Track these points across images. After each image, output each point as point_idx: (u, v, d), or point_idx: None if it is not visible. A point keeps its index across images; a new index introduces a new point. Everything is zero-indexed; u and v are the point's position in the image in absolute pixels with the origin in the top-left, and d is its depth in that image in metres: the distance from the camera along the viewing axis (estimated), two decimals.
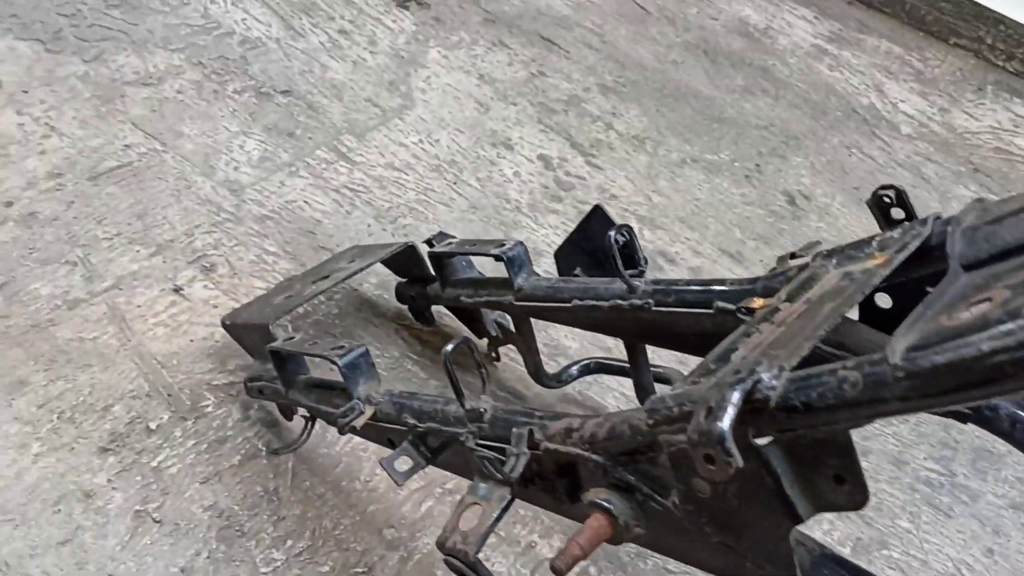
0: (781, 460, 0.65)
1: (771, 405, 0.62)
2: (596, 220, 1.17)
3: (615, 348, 1.35)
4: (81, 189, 1.47)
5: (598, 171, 1.76)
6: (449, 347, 0.86)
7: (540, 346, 1.29)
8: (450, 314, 1.40)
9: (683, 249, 1.64)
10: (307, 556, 1.13)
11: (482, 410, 0.89)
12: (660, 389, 1.16)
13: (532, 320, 1.25)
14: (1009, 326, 0.51)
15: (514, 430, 0.84)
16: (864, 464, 1.34)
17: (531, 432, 0.83)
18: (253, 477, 1.19)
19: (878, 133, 1.96)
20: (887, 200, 0.89)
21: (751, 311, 0.90)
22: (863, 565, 1.18)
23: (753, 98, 2.01)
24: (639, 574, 1.18)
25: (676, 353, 1.16)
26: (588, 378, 1.35)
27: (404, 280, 1.39)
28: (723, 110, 1.96)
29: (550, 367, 1.32)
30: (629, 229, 1.07)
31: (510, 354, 1.36)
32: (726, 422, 0.61)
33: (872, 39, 2.23)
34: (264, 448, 1.21)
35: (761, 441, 0.65)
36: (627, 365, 1.20)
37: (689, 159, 1.83)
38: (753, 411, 0.63)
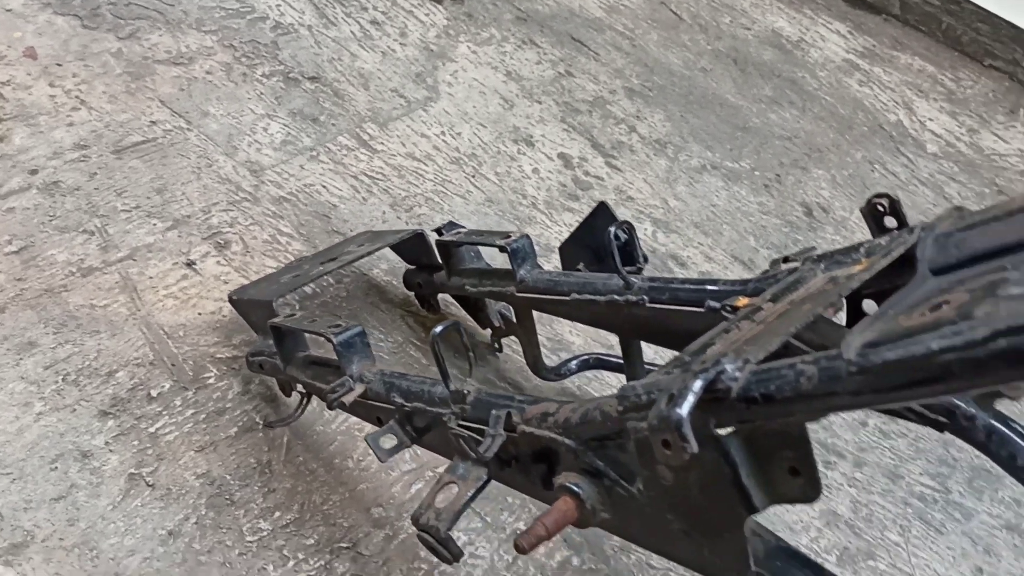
0: (740, 450, 0.66)
1: (732, 396, 0.63)
2: (600, 216, 1.17)
3: (617, 346, 1.35)
4: (105, 161, 1.51)
5: (617, 172, 1.76)
6: (438, 329, 0.87)
7: (543, 339, 1.30)
8: (456, 303, 1.42)
9: (695, 254, 1.64)
10: (293, 528, 1.14)
11: (465, 392, 0.90)
12: None
13: (535, 313, 1.26)
14: (959, 327, 0.51)
15: (492, 412, 0.85)
16: (858, 475, 1.34)
17: (509, 415, 0.84)
18: (248, 449, 1.21)
19: (903, 150, 1.95)
20: (880, 208, 0.88)
21: (735, 309, 0.90)
22: (848, 575, 1.18)
23: (779, 109, 2.00)
24: (621, 568, 1.19)
25: (672, 351, 1.16)
26: (588, 373, 1.36)
27: (412, 267, 1.40)
28: (748, 119, 1.96)
29: (551, 361, 1.33)
30: (629, 226, 1.08)
31: (512, 346, 1.37)
32: (685, 408, 0.61)
33: (905, 56, 2.22)
34: (261, 421, 1.23)
35: (722, 432, 0.66)
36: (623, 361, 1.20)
37: (710, 166, 1.83)
38: (715, 401, 0.64)
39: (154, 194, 1.48)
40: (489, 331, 1.36)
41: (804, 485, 0.64)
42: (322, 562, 1.13)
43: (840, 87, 2.09)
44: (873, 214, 0.90)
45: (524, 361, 1.32)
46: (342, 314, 1.40)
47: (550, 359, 1.33)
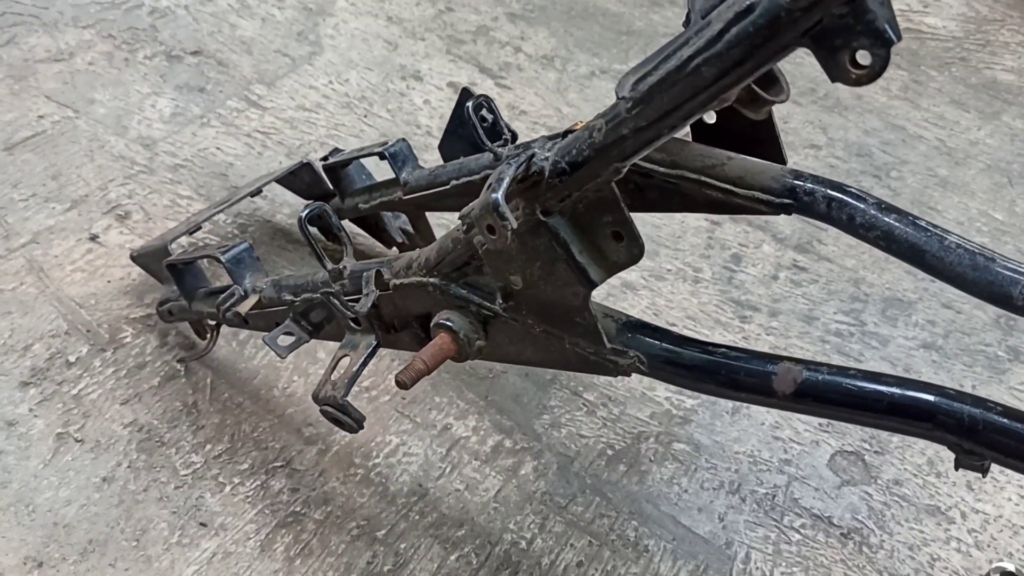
0: (567, 229, 0.69)
1: (546, 176, 0.66)
2: (465, 103, 1.20)
3: None
4: None
5: (507, 91, 1.80)
6: (303, 213, 0.90)
7: None
8: (360, 230, 1.44)
9: None
10: (226, 457, 1.17)
11: (342, 268, 0.93)
12: None
13: (428, 216, 1.29)
14: (701, 32, 0.54)
15: (364, 274, 0.88)
16: (774, 324, 1.38)
17: (379, 273, 0.87)
18: (172, 395, 1.23)
19: None
20: None
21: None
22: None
23: (661, 9, 2.04)
24: (553, 442, 1.22)
25: None
26: None
27: (310, 202, 1.42)
28: (631, 24, 1.99)
29: None
30: (487, 99, 1.11)
31: None
32: (501, 191, 0.64)
33: None
34: (178, 365, 1.25)
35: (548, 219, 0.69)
36: None
37: (598, 71, 1.86)
38: (534, 185, 0.67)
39: (49, 180, 1.50)
40: (395, 249, 1.39)
41: (628, 245, 0.67)
42: (258, 482, 1.15)
43: None
44: None
45: None
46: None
47: None
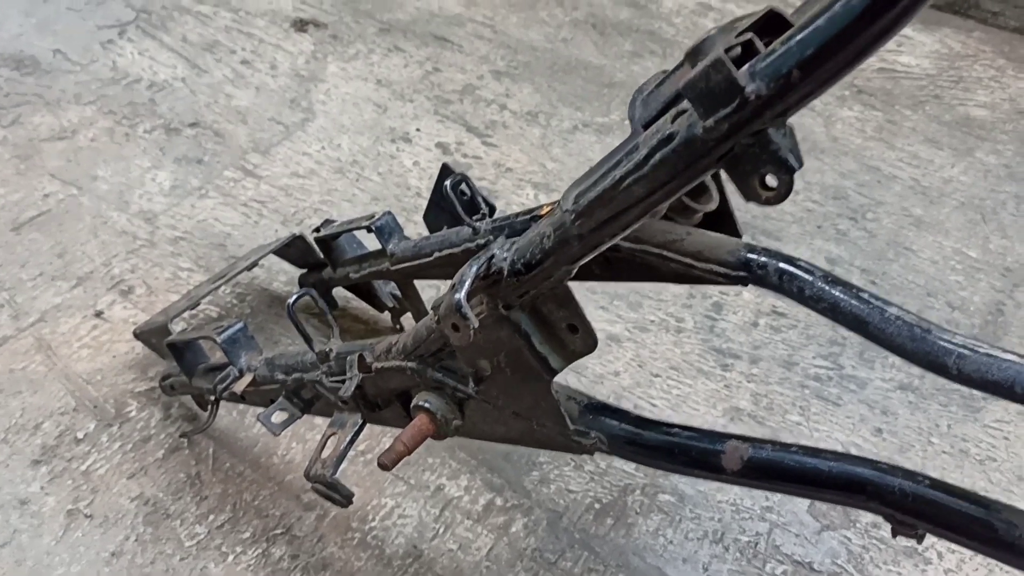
0: (528, 323, 0.75)
1: (504, 274, 0.72)
2: (445, 178, 1.26)
3: None
4: (4, 240, 1.59)
5: (493, 148, 1.86)
6: (291, 299, 0.96)
7: None
8: (352, 295, 1.50)
9: None
10: (228, 527, 1.22)
11: (328, 350, 0.98)
12: None
13: (416, 283, 1.35)
14: (632, 154, 0.60)
15: (348, 358, 0.94)
16: (755, 371, 1.43)
17: (361, 357, 0.93)
18: (176, 467, 1.29)
19: None
20: None
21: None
22: None
23: (641, 60, 2.10)
24: (543, 498, 1.27)
25: None
26: None
27: (304, 271, 1.49)
28: (613, 76, 2.06)
29: None
30: (464, 177, 1.17)
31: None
32: (463, 292, 0.70)
33: None
34: (183, 438, 1.31)
35: (510, 312, 0.75)
36: None
37: (581, 124, 1.93)
38: (495, 283, 0.73)
39: (55, 258, 1.56)
40: (387, 313, 1.45)
41: (583, 336, 0.73)
42: (260, 551, 1.20)
43: (697, 28, 2.20)
44: None
45: None
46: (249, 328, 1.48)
47: None
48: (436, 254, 1.21)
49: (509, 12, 2.24)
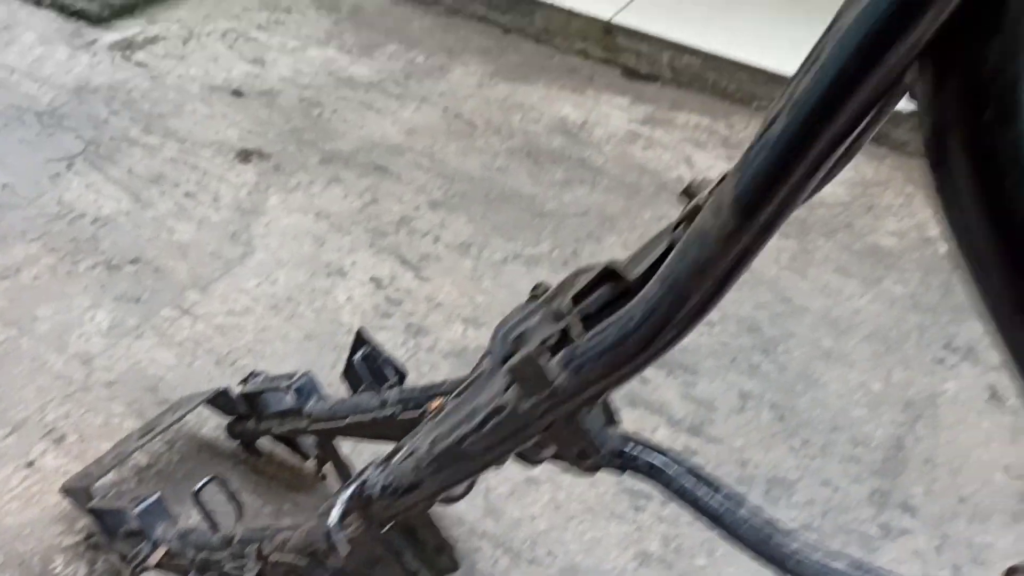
0: (401, 540, 0.81)
1: (375, 497, 0.78)
2: (360, 342, 1.33)
3: None
4: None
5: (425, 283, 1.93)
6: (196, 487, 1.01)
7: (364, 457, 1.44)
8: (277, 442, 1.55)
9: None
10: None
11: (231, 536, 1.04)
12: None
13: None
14: (474, 419, 0.67)
15: (248, 548, 0.99)
16: (665, 512, 1.48)
17: (259, 549, 0.98)
18: None
19: None
20: None
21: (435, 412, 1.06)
22: None
23: (572, 189, 2.20)
24: None
25: None
26: None
27: (232, 419, 1.54)
28: (544, 205, 2.15)
29: None
30: (375, 350, 1.24)
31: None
32: (333, 518, 0.76)
33: (683, 115, 2.45)
34: None
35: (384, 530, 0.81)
36: None
37: (511, 256, 2.01)
38: (368, 504, 0.79)
39: None
40: (311, 460, 1.50)
41: (448, 557, 0.79)
42: None
43: (625, 156, 2.30)
44: None
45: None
46: (178, 475, 1.53)
47: None
48: (349, 418, 1.27)
49: (448, 140, 2.34)
